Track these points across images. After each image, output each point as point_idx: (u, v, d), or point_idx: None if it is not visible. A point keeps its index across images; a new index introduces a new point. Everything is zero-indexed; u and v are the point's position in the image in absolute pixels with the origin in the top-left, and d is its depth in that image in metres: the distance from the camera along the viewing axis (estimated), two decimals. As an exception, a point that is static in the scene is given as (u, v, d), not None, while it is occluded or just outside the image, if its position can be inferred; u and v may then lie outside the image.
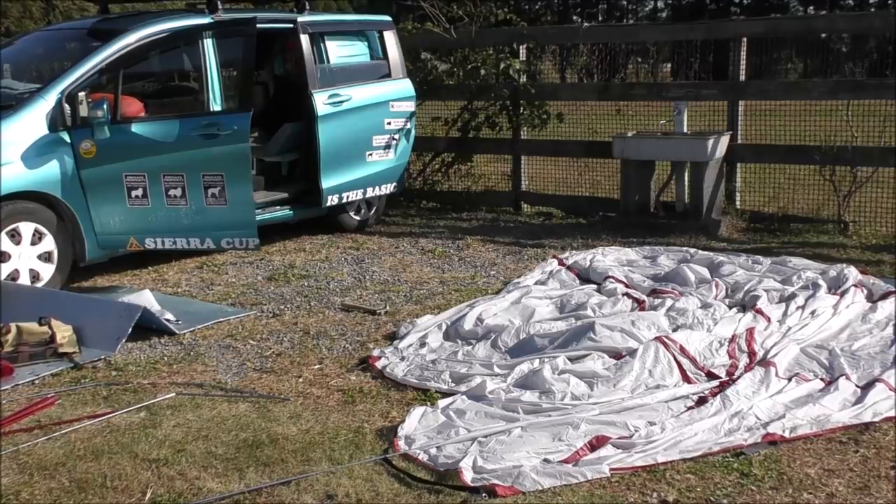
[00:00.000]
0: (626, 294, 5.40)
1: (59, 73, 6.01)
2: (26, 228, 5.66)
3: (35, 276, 5.71)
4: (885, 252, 6.66)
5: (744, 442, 3.49)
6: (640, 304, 5.25)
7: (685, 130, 7.74)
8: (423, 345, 4.74)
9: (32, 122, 5.71)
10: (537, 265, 6.40)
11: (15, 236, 5.61)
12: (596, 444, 3.45)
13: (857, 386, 3.97)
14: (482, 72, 8.78)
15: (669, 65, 11.28)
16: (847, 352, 4.39)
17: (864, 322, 4.86)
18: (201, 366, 4.56)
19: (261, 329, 5.16)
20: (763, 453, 3.42)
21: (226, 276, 6.38)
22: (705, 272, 5.77)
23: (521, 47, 8.83)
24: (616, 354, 4.37)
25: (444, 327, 4.98)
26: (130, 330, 4.79)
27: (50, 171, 5.73)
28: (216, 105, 6.44)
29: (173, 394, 4.14)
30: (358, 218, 7.97)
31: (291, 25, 7.21)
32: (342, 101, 7.29)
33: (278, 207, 7.18)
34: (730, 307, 5.12)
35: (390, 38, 7.92)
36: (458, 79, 8.98)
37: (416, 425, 3.70)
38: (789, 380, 4.05)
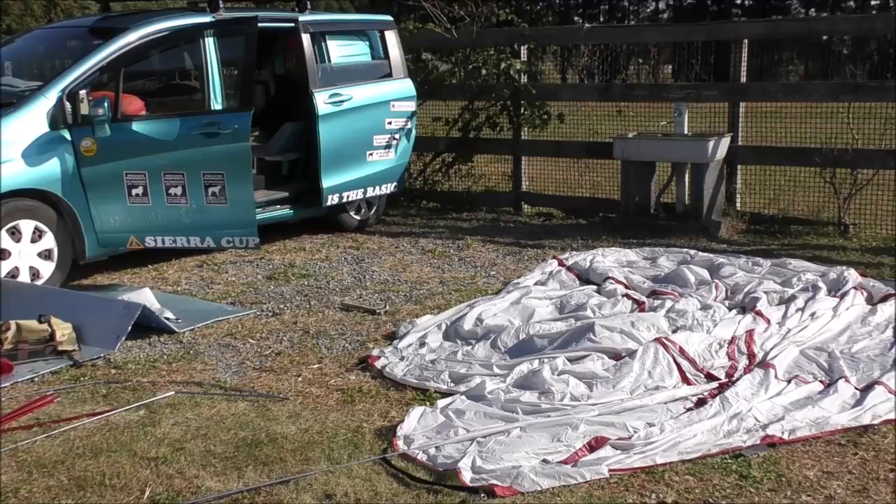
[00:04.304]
0: (626, 295, 5.40)
1: (60, 72, 6.02)
2: (26, 226, 5.66)
3: (35, 274, 5.71)
4: (885, 254, 6.65)
5: (743, 444, 3.49)
6: (639, 306, 5.25)
7: (686, 132, 7.74)
8: (422, 345, 4.74)
9: (33, 119, 5.71)
10: (537, 266, 6.40)
11: (15, 234, 5.61)
12: (595, 444, 3.45)
13: (857, 388, 3.97)
14: (483, 72, 8.78)
15: (670, 66, 11.28)
16: (846, 354, 4.39)
17: (863, 324, 4.86)
18: (201, 364, 4.56)
19: (260, 328, 5.16)
20: (762, 455, 3.42)
21: (226, 275, 6.38)
22: (705, 274, 5.77)
23: (522, 48, 8.83)
24: (615, 355, 4.37)
25: (443, 327, 4.98)
26: (130, 328, 4.79)
27: (50, 169, 5.73)
28: (217, 104, 6.44)
29: (172, 392, 4.14)
30: (358, 217, 7.97)
31: (293, 25, 7.22)
32: (343, 101, 7.29)
33: (279, 206, 7.18)
34: (729, 309, 5.12)
35: (391, 38, 7.92)
36: (459, 79, 8.99)
37: (415, 425, 3.70)
38: (788, 382, 4.05)
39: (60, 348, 4.59)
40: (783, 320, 4.87)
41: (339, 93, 7.28)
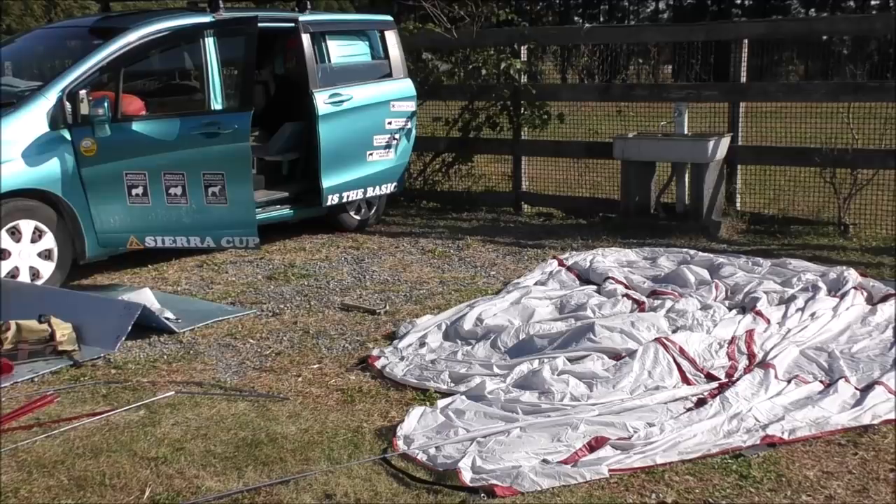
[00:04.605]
0: (626, 295, 5.40)
1: (61, 71, 6.02)
2: (26, 226, 5.66)
3: (35, 274, 5.71)
4: (885, 254, 6.65)
5: (743, 444, 3.49)
6: (639, 306, 5.25)
7: (686, 132, 7.74)
8: (422, 345, 4.74)
9: (33, 119, 5.71)
10: (537, 266, 6.41)
11: (15, 234, 5.61)
12: (595, 444, 3.45)
13: (857, 388, 3.97)
14: (483, 72, 8.78)
15: (670, 66, 11.28)
16: (846, 354, 4.39)
17: (863, 324, 4.86)
18: (201, 364, 4.57)
19: (260, 328, 5.16)
20: (762, 455, 3.42)
21: (226, 275, 6.38)
22: (705, 274, 5.77)
23: (522, 48, 8.83)
24: (615, 355, 4.37)
25: (443, 327, 4.98)
26: (130, 328, 4.79)
27: (50, 169, 5.73)
28: (217, 104, 6.44)
29: (172, 392, 4.14)
30: (358, 217, 7.97)
31: (293, 24, 7.22)
32: (343, 101, 7.29)
33: (279, 206, 7.19)
34: (729, 309, 5.12)
35: (391, 38, 7.93)
36: (459, 79, 8.99)
37: (416, 425, 3.70)
38: (788, 382, 4.05)
39: (60, 348, 4.59)
40: (783, 320, 4.87)
41: (339, 93, 7.28)
